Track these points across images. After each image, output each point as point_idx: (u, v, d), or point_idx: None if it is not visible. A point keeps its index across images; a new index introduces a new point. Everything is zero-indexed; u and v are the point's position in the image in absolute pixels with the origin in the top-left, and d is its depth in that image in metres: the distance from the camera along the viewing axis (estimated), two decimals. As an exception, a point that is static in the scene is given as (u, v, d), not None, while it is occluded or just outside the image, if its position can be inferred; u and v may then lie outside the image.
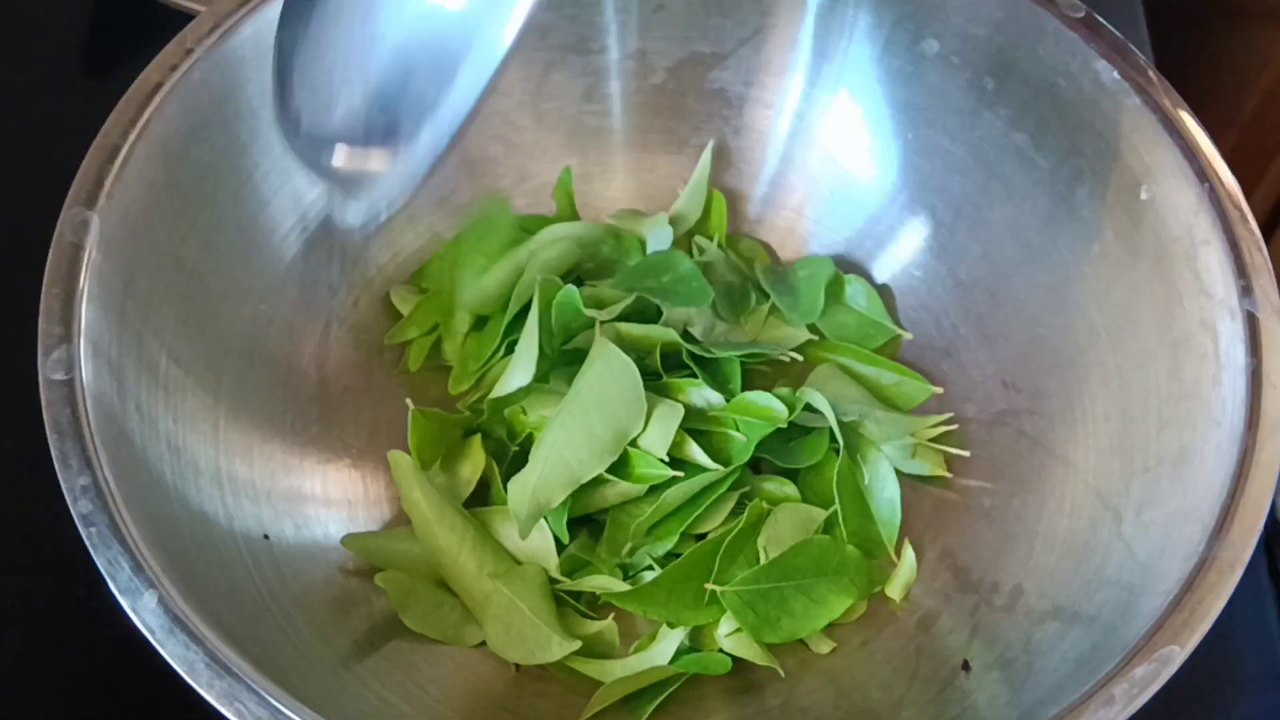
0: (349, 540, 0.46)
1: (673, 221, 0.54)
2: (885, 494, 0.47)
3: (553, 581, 0.45)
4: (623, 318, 0.49)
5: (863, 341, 0.51)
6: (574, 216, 0.54)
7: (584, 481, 0.45)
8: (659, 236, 0.53)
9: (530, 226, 0.53)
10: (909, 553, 0.47)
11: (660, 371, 0.48)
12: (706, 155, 0.54)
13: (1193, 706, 0.46)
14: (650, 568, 0.46)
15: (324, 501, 0.47)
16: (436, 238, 0.53)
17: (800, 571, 0.45)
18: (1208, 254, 0.42)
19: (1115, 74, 0.45)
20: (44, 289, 0.39)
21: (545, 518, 0.45)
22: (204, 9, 0.45)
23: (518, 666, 0.44)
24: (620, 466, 0.45)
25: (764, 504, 0.46)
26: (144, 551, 0.36)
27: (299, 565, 0.44)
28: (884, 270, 0.53)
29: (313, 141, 0.36)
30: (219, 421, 0.44)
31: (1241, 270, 0.42)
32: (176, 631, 0.35)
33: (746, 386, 0.48)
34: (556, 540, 0.46)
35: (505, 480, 0.47)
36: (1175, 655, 0.36)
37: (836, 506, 0.46)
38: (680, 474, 0.45)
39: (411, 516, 0.46)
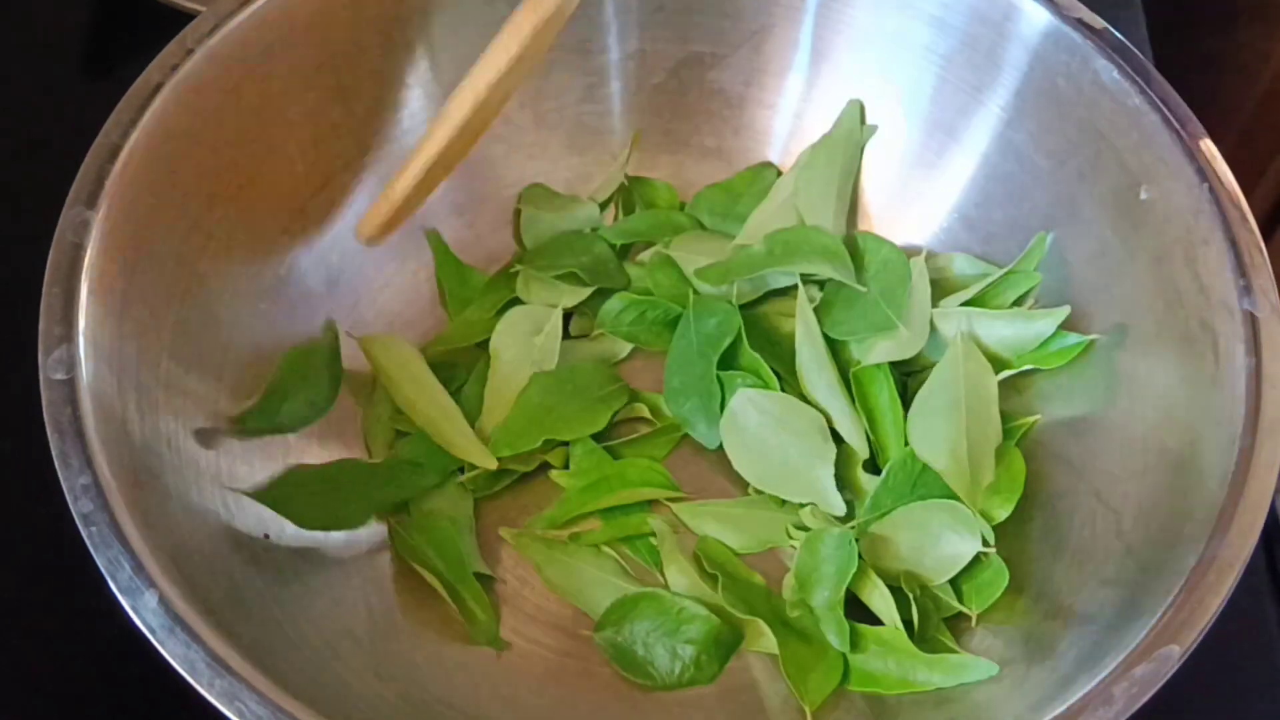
0: None
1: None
2: None
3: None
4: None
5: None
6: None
7: None
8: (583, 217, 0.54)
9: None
10: None
11: None
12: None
13: (1192, 706, 0.46)
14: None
15: (324, 501, 0.47)
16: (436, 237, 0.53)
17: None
18: (1207, 254, 0.42)
19: (1115, 74, 0.45)
20: (45, 289, 0.39)
21: None
22: (204, 9, 0.45)
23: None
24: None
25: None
26: (144, 551, 0.36)
27: (298, 564, 0.44)
28: (884, 270, 0.53)
29: None
30: (219, 421, 0.44)
31: (1241, 270, 0.41)
32: (177, 631, 0.35)
33: None
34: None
35: None
36: (1175, 654, 0.36)
37: None
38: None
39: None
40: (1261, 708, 0.47)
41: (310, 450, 0.47)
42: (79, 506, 0.36)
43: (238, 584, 0.40)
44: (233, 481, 0.43)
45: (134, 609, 0.35)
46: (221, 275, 0.45)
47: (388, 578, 0.46)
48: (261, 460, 0.45)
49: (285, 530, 0.44)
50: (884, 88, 0.51)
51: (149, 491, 0.39)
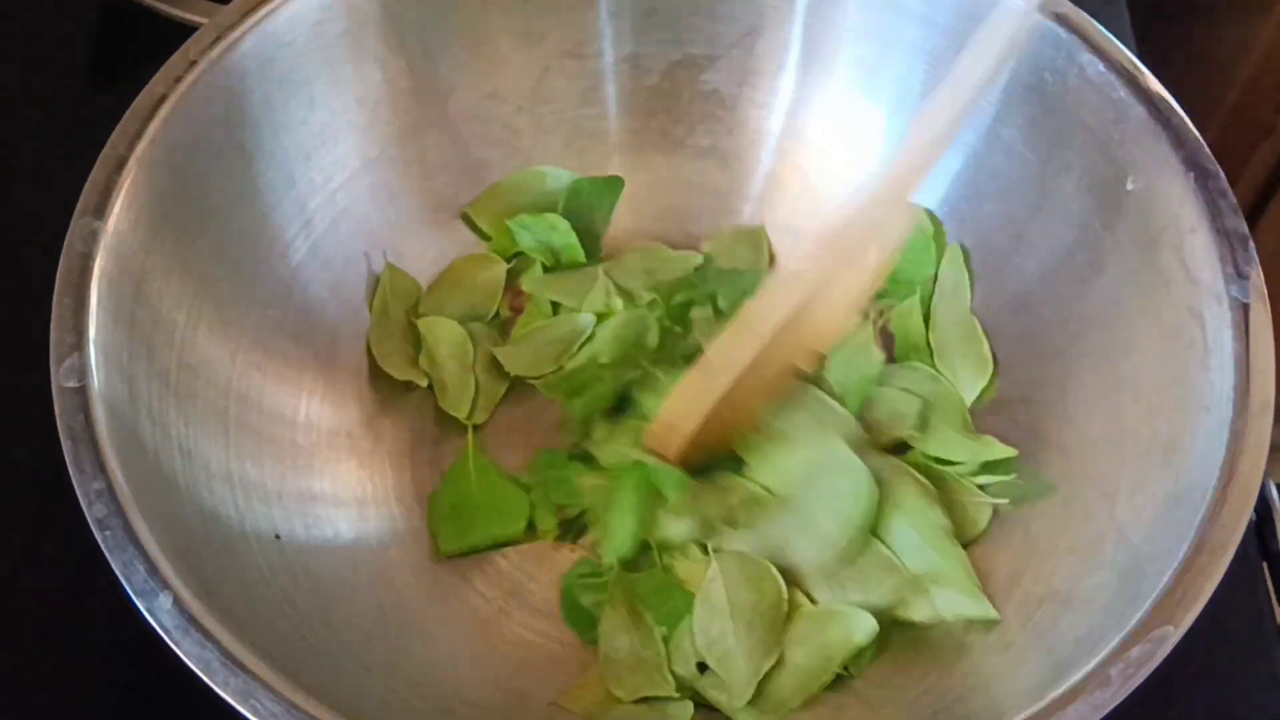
0: None
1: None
2: None
3: None
4: None
5: None
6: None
7: None
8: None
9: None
10: None
11: None
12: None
13: (1186, 685, 0.46)
14: None
15: (333, 501, 0.47)
16: (437, 243, 0.54)
17: None
18: (1194, 242, 0.43)
19: (1100, 67, 0.46)
20: (55, 298, 0.40)
21: None
22: (206, 21, 0.45)
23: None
24: None
25: None
26: (158, 553, 0.37)
27: (310, 564, 0.44)
28: (878, 265, 0.54)
29: None
30: (229, 425, 0.45)
31: (1228, 257, 0.42)
32: (191, 631, 0.36)
33: None
34: None
35: None
36: (1170, 635, 0.36)
37: None
38: None
39: None
40: (1255, 686, 0.47)
41: (318, 453, 0.48)
42: (93, 511, 0.37)
43: (250, 584, 0.41)
44: (244, 484, 0.44)
45: (149, 610, 0.36)
46: (228, 282, 0.46)
47: (398, 574, 0.46)
48: (272, 463, 0.46)
49: (295, 531, 0.45)
50: (873, 85, 0.52)
51: (162, 495, 0.39)
